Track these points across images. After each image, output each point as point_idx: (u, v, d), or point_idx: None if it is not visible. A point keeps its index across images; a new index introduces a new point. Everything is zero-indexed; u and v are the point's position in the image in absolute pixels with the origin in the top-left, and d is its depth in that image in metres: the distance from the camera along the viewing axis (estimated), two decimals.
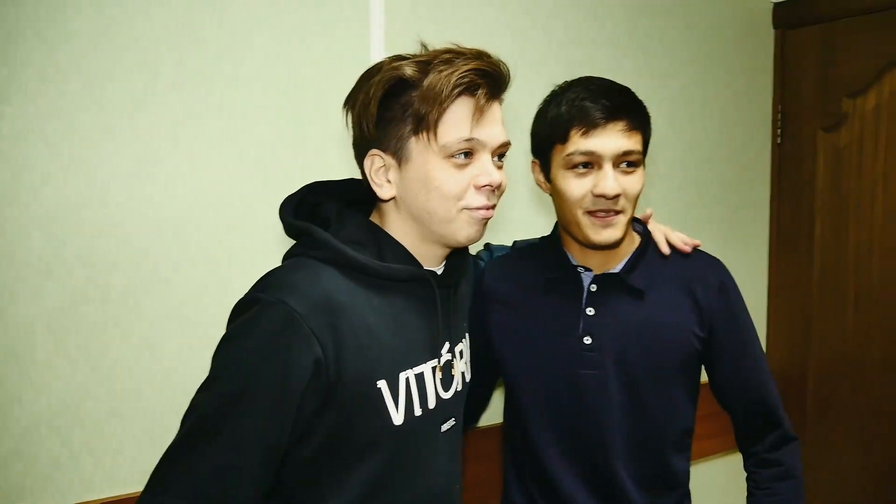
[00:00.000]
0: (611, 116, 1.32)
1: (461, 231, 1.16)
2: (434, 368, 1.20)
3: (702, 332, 1.43)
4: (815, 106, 2.45)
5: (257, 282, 1.10)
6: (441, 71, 1.09)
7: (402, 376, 1.13)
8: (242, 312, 1.07)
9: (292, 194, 1.22)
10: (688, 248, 1.48)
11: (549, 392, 1.45)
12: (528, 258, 1.55)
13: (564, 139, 1.34)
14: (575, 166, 1.34)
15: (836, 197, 2.41)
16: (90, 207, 1.37)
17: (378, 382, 1.10)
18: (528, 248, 1.59)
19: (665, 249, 1.47)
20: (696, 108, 2.36)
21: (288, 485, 1.11)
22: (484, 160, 1.14)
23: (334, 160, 1.63)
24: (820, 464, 2.46)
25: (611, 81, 1.39)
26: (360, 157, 1.18)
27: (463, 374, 1.30)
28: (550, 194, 1.44)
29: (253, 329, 1.03)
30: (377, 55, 1.67)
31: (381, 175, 1.16)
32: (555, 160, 1.38)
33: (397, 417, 1.12)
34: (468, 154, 1.13)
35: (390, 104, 1.12)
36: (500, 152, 1.18)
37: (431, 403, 1.19)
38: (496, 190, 1.17)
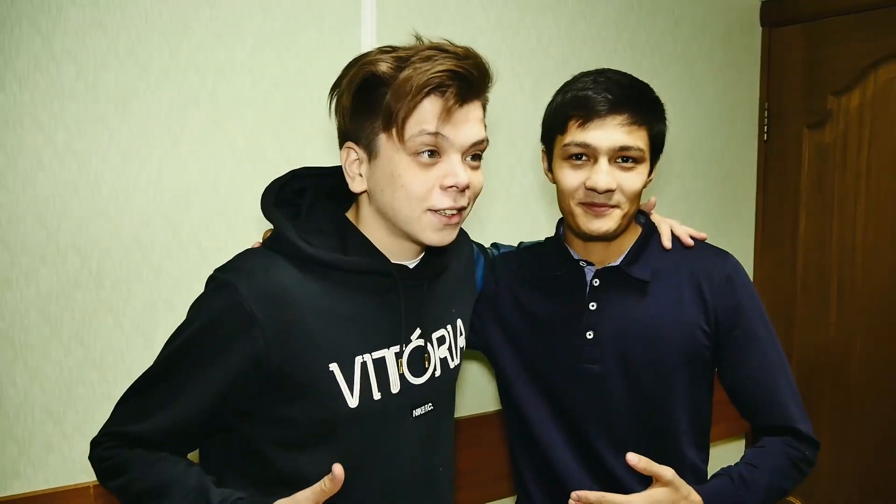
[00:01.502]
0: (611, 109, 1.30)
1: (425, 232, 1.16)
2: (398, 354, 1.22)
3: (708, 328, 1.40)
4: (801, 103, 2.48)
5: (227, 261, 1.17)
6: (416, 68, 1.10)
7: (358, 360, 1.16)
8: (206, 286, 1.15)
9: (277, 179, 1.24)
10: (690, 242, 1.46)
11: (552, 386, 1.44)
12: (532, 255, 1.56)
13: (563, 129, 1.34)
14: (571, 157, 1.33)
15: (820, 194, 2.45)
16: (83, 194, 1.39)
17: (330, 366, 1.13)
18: (533, 246, 1.60)
19: (667, 242, 1.46)
20: (683, 104, 2.39)
21: (261, 459, 1.15)
22: (452, 160, 1.14)
23: (323, 151, 1.65)
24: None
25: (625, 75, 1.37)
26: (340, 147, 1.21)
27: (444, 360, 1.32)
28: (554, 183, 1.43)
29: (203, 305, 1.14)
30: (368, 48, 1.69)
31: (355, 168, 1.18)
32: (555, 150, 1.38)
33: (352, 401, 1.15)
34: (434, 153, 1.13)
35: (364, 98, 1.13)
36: (474, 152, 1.18)
37: (395, 388, 1.21)
38: (465, 191, 1.16)
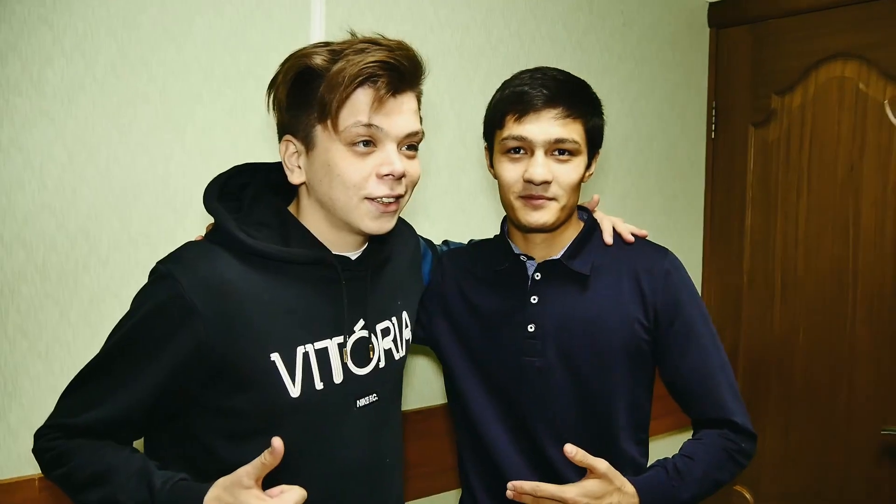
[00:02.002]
0: (546, 103, 1.34)
1: (363, 220, 1.20)
2: (341, 345, 1.24)
3: (647, 322, 1.44)
4: (747, 102, 2.56)
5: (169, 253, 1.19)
6: (348, 60, 1.13)
7: (300, 350, 1.19)
8: (149, 277, 1.18)
9: (220, 174, 1.27)
10: (631, 238, 1.50)
11: (496, 379, 1.47)
12: (478, 251, 1.59)
13: (501, 124, 1.38)
14: (508, 151, 1.37)
15: (764, 190, 2.52)
16: (28, 189, 1.40)
17: (271, 355, 1.16)
18: (480, 243, 1.63)
19: (608, 238, 1.49)
20: (633, 102, 2.45)
21: (206, 450, 1.17)
22: (388, 149, 1.18)
23: (272, 147, 1.67)
24: None
25: (561, 72, 1.41)
26: (278, 141, 1.24)
27: (389, 351, 1.35)
28: (496, 179, 1.46)
29: (145, 297, 1.16)
30: None
31: (294, 160, 1.21)
32: (495, 145, 1.42)
33: (294, 390, 1.18)
34: (369, 143, 1.17)
35: (300, 91, 1.17)
36: (409, 143, 1.21)
37: (337, 378, 1.23)
38: (401, 179, 1.20)
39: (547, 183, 1.36)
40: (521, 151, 1.37)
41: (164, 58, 1.54)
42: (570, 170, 1.38)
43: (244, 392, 1.15)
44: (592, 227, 1.51)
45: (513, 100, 1.37)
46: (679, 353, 1.45)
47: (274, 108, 1.21)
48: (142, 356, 1.13)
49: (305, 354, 1.20)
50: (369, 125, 1.15)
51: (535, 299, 1.45)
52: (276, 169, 1.30)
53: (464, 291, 1.53)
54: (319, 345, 1.22)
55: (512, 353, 1.46)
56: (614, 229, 1.53)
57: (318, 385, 1.21)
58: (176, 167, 1.56)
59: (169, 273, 1.12)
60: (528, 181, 1.35)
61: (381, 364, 1.32)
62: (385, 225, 1.22)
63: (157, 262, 1.16)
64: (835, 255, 2.32)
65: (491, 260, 1.53)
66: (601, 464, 1.30)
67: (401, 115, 1.19)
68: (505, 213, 1.52)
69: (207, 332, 1.11)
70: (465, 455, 1.55)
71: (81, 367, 1.17)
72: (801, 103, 2.40)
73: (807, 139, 2.39)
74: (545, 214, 1.38)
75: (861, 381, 2.27)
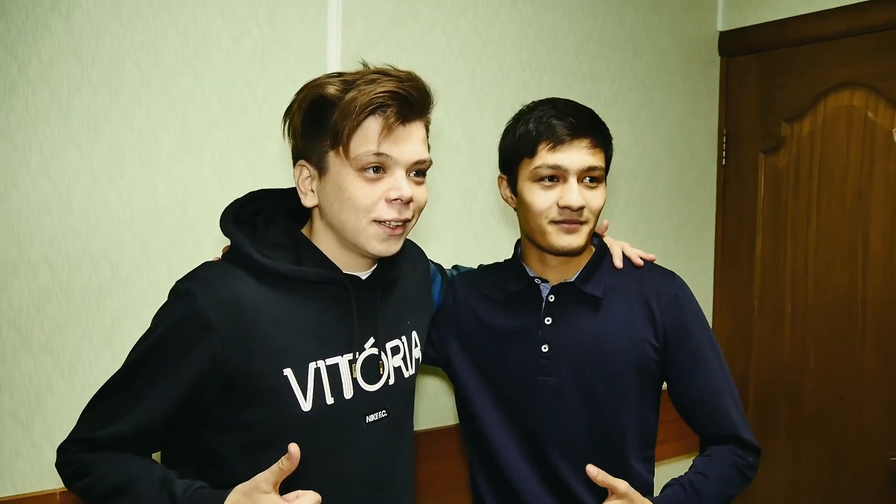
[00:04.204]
0: (576, 133, 1.41)
1: (370, 242, 1.25)
2: (351, 362, 1.29)
3: (657, 343, 1.49)
4: (757, 129, 2.59)
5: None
6: (360, 90, 1.19)
7: (311, 366, 1.23)
8: (168, 296, 1.23)
9: (236, 199, 1.33)
10: (640, 262, 1.55)
11: (509, 399, 1.51)
12: (491, 274, 1.64)
13: (532, 153, 1.43)
14: (542, 179, 1.43)
15: (774, 216, 2.55)
16: (55, 211, 1.47)
17: (284, 371, 1.20)
18: (491, 267, 1.68)
19: (618, 262, 1.54)
20: (643, 130, 2.49)
21: (220, 463, 1.22)
22: (397, 175, 1.23)
23: (288, 174, 1.73)
24: None
25: (575, 102, 1.48)
26: (293, 166, 1.30)
27: (398, 369, 1.38)
28: (515, 208, 1.52)
29: (164, 313, 1.21)
30: None
31: (307, 184, 1.27)
32: (522, 173, 1.46)
33: (305, 404, 1.22)
34: (379, 169, 1.22)
35: (314, 119, 1.23)
36: (417, 169, 1.27)
37: (348, 394, 1.27)
38: (408, 204, 1.25)
39: (582, 208, 1.42)
40: (554, 179, 1.43)
41: (185, 88, 1.61)
42: (598, 195, 1.45)
43: (257, 405, 1.20)
44: (603, 252, 1.57)
45: (544, 130, 1.43)
46: (687, 373, 1.50)
47: (289, 135, 1.28)
48: (160, 370, 1.18)
49: (317, 370, 1.24)
50: (379, 153, 1.21)
51: (549, 320, 1.50)
52: (290, 195, 1.36)
53: (476, 313, 1.57)
54: (331, 361, 1.26)
55: (525, 373, 1.50)
56: (623, 253, 1.58)
57: (329, 400, 1.25)
58: (195, 193, 1.63)
59: (188, 291, 1.18)
60: (566, 207, 1.41)
61: (391, 381, 1.36)
62: (392, 247, 1.28)
63: (177, 281, 1.22)
64: (844, 282, 2.33)
65: (504, 282, 1.57)
66: (621, 484, 1.33)
67: (409, 142, 1.24)
68: (519, 238, 1.58)
69: (223, 347, 1.16)
70: (477, 474, 1.59)
71: (103, 383, 1.22)
72: (810, 131, 2.43)
73: (816, 166, 2.41)
74: (578, 238, 1.44)
75: (870, 408, 2.27)
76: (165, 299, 1.22)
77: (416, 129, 1.26)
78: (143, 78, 1.55)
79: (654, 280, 1.54)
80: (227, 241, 1.28)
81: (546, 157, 1.42)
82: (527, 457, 1.51)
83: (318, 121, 1.22)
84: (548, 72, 2.22)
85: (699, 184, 2.69)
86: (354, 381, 1.29)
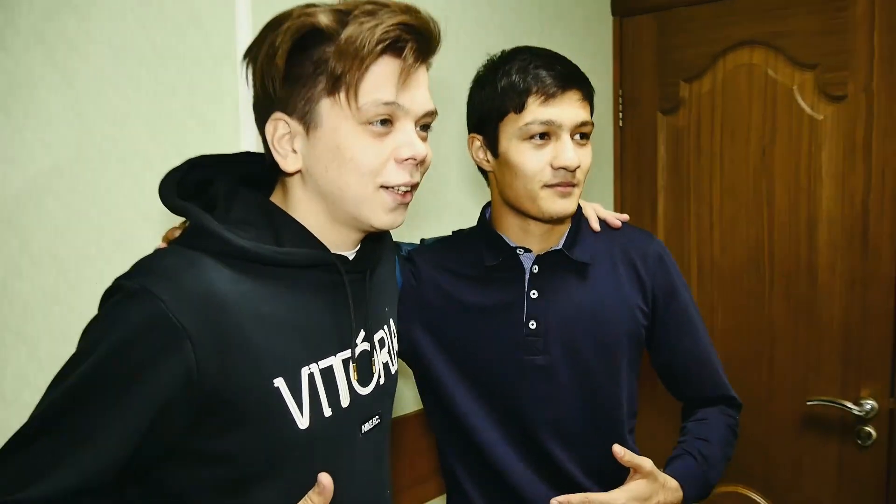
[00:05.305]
0: (567, 84, 1.27)
1: (375, 213, 1.03)
2: (346, 361, 1.07)
3: (646, 307, 1.41)
4: (654, 90, 2.58)
5: (130, 267, 0.94)
6: (362, 23, 0.95)
7: (304, 372, 1.00)
8: (108, 299, 0.91)
9: (173, 171, 1.04)
10: (618, 223, 1.46)
11: (492, 384, 1.36)
12: (458, 247, 1.45)
13: (520, 108, 1.26)
14: (532, 137, 1.27)
15: (676, 176, 2.56)
16: None
17: (275, 381, 0.96)
18: (458, 239, 1.49)
19: (595, 225, 1.44)
20: None
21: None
22: (407, 129, 1.02)
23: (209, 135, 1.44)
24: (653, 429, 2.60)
25: (550, 50, 1.33)
26: (261, 122, 1.03)
27: (386, 364, 1.18)
28: (490, 171, 1.35)
29: (108, 324, 0.89)
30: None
31: (286, 143, 1.01)
32: (506, 132, 1.29)
33: (302, 420, 0.99)
34: (386, 122, 1.00)
35: (300, 59, 0.97)
36: (425, 122, 1.06)
37: (345, 401, 1.06)
38: (419, 165, 1.04)
39: (576, 169, 1.28)
40: (545, 137, 1.27)
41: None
42: (588, 154, 1.33)
43: (240, 430, 0.94)
44: (580, 215, 1.45)
45: (532, 82, 1.25)
46: (676, 336, 1.45)
47: (258, 83, 1.01)
48: (110, 401, 0.88)
49: (311, 376, 1.01)
50: (390, 102, 0.99)
51: (534, 294, 1.36)
52: (241, 160, 1.11)
53: (446, 292, 1.40)
54: (324, 363, 1.03)
55: (510, 353, 1.36)
56: (599, 215, 1.49)
57: (327, 412, 1.03)
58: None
59: (142, 289, 0.88)
60: (562, 167, 1.26)
61: (382, 380, 1.16)
62: (398, 218, 1.06)
63: (119, 279, 0.92)
64: (750, 238, 2.39)
65: (479, 255, 1.41)
66: (647, 463, 1.27)
67: (420, 88, 1.03)
68: (485, 204, 1.43)
69: (199, 359, 0.89)
70: (454, 465, 1.43)
71: (17, 429, 0.89)
72: (710, 89, 2.45)
73: (718, 126, 2.44)
74: (572, 202, 1.31)
75: (781, 358, 2.35)
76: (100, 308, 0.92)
77: (424, 74, 1.05)
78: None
79: (634, 241, 1.46)
80: (164, 229, 1.00)
81: (538, 112, 1.27)
82: (513, 442, 1.38)
83: (307, 62, 0.97)
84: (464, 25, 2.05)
85: (597, 146, 2.64)
86: (350, 385, 1.07)
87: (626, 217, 1.50)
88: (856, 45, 2.16)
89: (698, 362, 1.47)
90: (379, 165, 1.00)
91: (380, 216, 1.03)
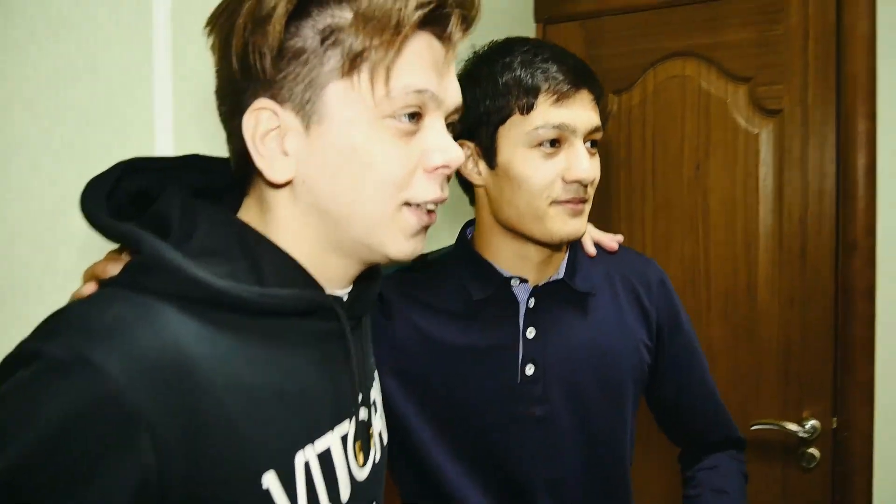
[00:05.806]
0: (579, 83, 1.07)
1: (394, 240, 0.78)
2: (345, 438, 0.81)
3: (650, 342, 1.25)
4: None
5: (42, 323, 0.65)
6: None
7: (299, 459, 0.74)
8: (19, 374, 0.60)
9: (99, 178, 0.75)
10: (615, 246, 1.29)
11: (474, 441, 1.14)
12: (437, 277, 1.21)
13: (528, 109, 1.05)
14: (541, 144, 1.06)
15: (605, 193, 2.43)
16: None
17: (265, 477, 0.70)
18: (434, 266, 1.24)
19: (591, 249, 1.26)
20: None
21: None
22: (437, 127, 0.78)
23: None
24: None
25: (553, 43, 1.15)
26: (233, 112, 0.76)
27: (381, 434, 0.93)
28: (479, 186, 1.13)
29: (23, 416, 0.58)
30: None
31: (273, 142, 0.75)
32: (507, 137, 1.08)
33: None
34: (415, 116, 0.76)
35: (299, 29, 0.72)
36: (453, 119, 0.83)
37: (345, 494, 0.80)
38: (449, 178, 0.82)
39: (590, 182, 1.09)
40: (555, 144, 1.07)
41: None
42: (598, 165, 1.13)
43: None
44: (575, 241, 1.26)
45: (545, 79, 1.05)
46: (683, 371, 1.31)
47: (238, 58, 0.73)
48: None
49: (306, 465, 0.75)
50: (423, 90, 0.75)
51: (531, 333, 1.16)
52: (191, 166, 0.82)
53: (422, 331, 1.17)
54: (321, 444, 0.77)
55: (502, 404, 1.14)
56: (594, 238, 1.31)
57: None
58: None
59: (77, 358, 0.60)
60: (576, 181, 1.06)
61: (378, 456, 0.91)
62: (419, 247, 0.82)
63: (30, 341, 0.63)
64: (685, 256, 2.30)
65: (461, 286, 1.18)
66: None
67: (451, 75, 0.80)
68: (467, 223, 1.21)
69: (161, 460, 0.62)
70: None
71: None
72: (640, 102, 2.35)
73: (649, 139, 2.34)
74: (583, 222, 1.13)
75: (722, 381, 2.24)
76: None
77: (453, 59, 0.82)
78: None
79: (633, 266, 1.30)
80: (90, 257, 0.72)
81: (549, 115, 1.06)
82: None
83: (309, 33, 0.72)
84: None
85: None
86: (350, 471, 0.81)
87: (620, 238, 1.33)
88: (790, 58, 2.12)
89: (706, 400, 1.33)
90: (406, 175, 0.76)
91: (399, 243, 0.78)
